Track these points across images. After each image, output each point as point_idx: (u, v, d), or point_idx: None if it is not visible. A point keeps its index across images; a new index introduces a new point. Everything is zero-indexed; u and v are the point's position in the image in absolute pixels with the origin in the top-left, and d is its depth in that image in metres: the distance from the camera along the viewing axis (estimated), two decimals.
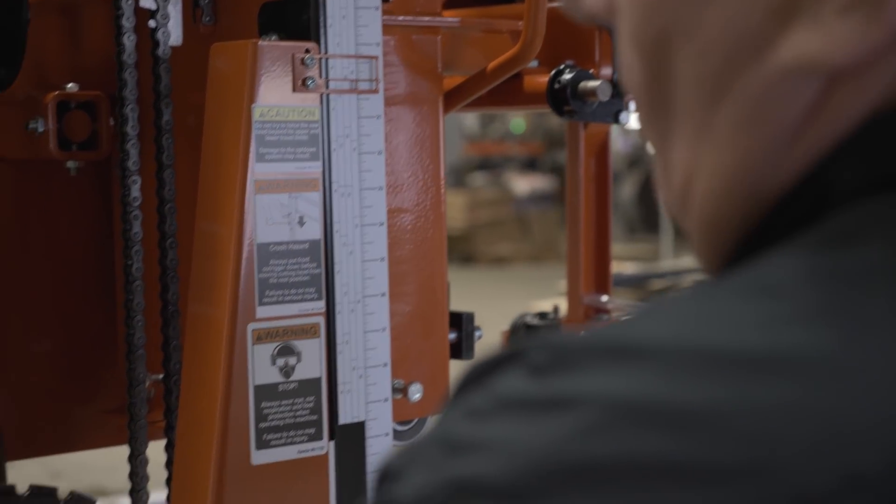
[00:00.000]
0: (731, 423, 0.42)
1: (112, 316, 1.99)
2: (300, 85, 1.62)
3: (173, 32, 1.74)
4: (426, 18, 1.82)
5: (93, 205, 2.01)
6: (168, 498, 1.67)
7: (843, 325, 0.44)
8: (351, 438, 1.69)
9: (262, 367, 1.60)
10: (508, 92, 1.95)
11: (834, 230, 0.48)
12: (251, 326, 1.59)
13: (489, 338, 1.98)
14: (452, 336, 1.90)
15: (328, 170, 1.65)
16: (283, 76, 1.61)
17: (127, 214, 1.75)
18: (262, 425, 1.60)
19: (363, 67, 1.68)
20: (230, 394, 1.58)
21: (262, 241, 1.60)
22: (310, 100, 1.64)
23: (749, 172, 0.52)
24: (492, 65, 1.85)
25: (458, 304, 1.91)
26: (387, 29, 1.72)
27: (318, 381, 1.65)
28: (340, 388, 1.67)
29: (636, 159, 14.15)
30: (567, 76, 1.90)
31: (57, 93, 1.89)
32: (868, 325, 0.44)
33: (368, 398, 1.70)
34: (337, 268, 1.67)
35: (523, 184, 14.66)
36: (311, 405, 1.64)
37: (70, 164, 1.93)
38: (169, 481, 1.71)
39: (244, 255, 1.59)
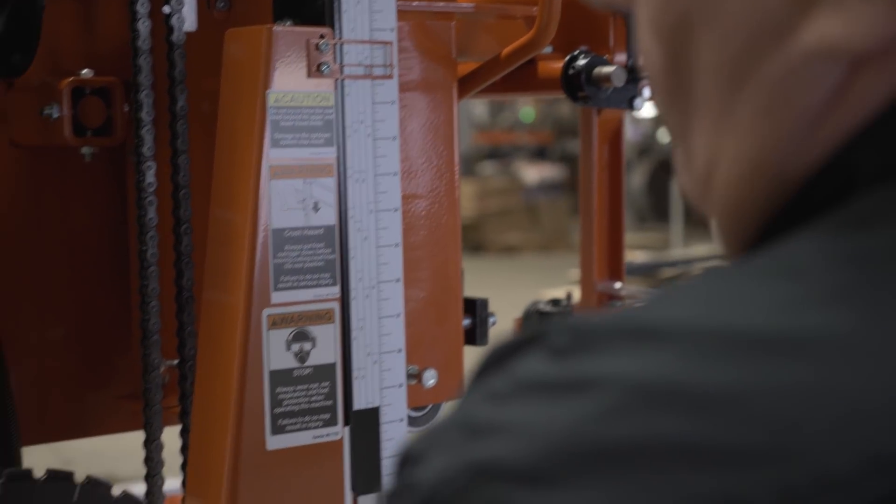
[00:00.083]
0: (750, 404, 0.42)
1: (127, 302, 2.00)
2: (315, 70, 1.62)
3: (188, 18, 1.74)
4: (440, 4, 1.82)
5: (107, 191, 2.01)
6: (183, 483, 1.68)
7: (862, 307, 0.44)
8: (365, 424, 1.69)
9: (277, 353, 1.60)
10: (522, 78, 1.95)
11: (854, 214, 0.48)
12: (266, 312, 1.60)
13: (501, 326, 1.98)
14: (466, 322, 1.90)
15: (343, 155, 1.66)
16: (297, 62, 1.61)
17: (142, 200, 1.76)
18: (277, 410, 1.61)
19: (378, 53, 1.68)
20: (245, 379, 1.58)
21: (277, 226, 1.60)
22: (324, 85, 1.64)
23: (771, 158, 0.52)
24: (506, 50, 1.85)
25: (468, 293, 1.91)
26: (401, 14, 1.72)
27: (332, 366, 1.65)
28: (355, 373, 1.68)
29: (646, 148, 14.12)
30: (581, 62, 1.90)
31: (72, 79, 1.89)
32: (886, 307, 0.44)
33: (383, 384, 1.70)
34: (352, 253, 1.67)
35: (533, 173, 14.63)
36: (325, 391, 1.64)
37: (85, 150, 1.93)
38: (184, 466, 1.72)
39: (259, 240, 1.59)
